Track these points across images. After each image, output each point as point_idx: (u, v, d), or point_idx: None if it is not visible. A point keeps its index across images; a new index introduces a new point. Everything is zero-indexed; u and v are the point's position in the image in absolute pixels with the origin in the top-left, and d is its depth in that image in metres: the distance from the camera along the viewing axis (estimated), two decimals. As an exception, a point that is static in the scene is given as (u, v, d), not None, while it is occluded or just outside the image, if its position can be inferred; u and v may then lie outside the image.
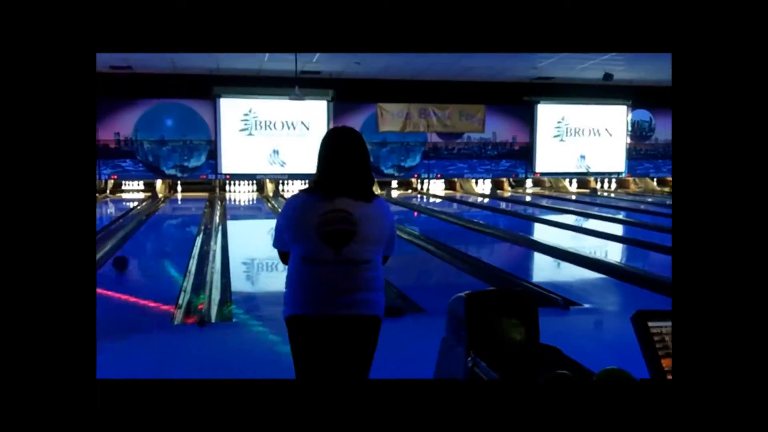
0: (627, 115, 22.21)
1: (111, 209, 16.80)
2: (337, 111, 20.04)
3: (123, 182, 19.84)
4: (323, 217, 2.73)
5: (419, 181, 21.52)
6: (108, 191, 19.54)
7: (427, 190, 21.44)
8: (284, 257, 2.96)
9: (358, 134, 2.91)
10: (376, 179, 20.40)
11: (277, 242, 2.97)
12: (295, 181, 20.65)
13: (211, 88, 18.99)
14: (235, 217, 15.43)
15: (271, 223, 14.23)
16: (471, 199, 19.49)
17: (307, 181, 20.59)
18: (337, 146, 2.85)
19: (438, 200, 19.15)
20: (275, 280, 8.36)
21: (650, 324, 2.27)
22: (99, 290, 7.21)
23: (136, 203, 17.32)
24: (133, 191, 19.88)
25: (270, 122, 19.70)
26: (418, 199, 19.53)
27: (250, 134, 19.63)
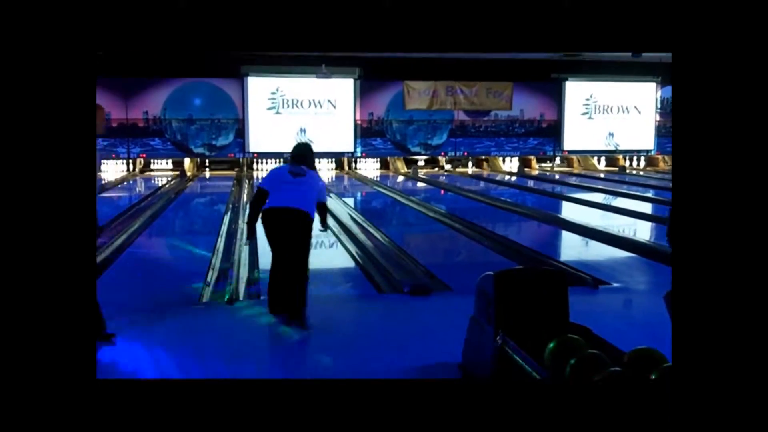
0: (656, 92, 21.89)
1: (140, 187, 16.96)
2: (363, 89, 20.00)
3: (152, 160, 20.00)
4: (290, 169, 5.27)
5: (445, 157, 21.41)
6: (137, 170, 19.73)
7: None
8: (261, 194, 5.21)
9: (308, 146, 5.61)
10: (403, 156, 20.59)
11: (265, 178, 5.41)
12: (321, 159, 20.68)
13: (238, 67, 19.02)
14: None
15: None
16: (498, 177, 19.39)
17: (333, 160, 20.62)
18: (295, 151, 5.43)
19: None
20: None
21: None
22: (128, 267, 7.30)
23: (164, 181, 17.46)
24: (162, 170, 20.03)
25: (297, 101, 19.70)
26: (444, 178, 19.46)
27: (278, 113, 19.66)
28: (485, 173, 20.63)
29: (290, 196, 5.04)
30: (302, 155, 5.33)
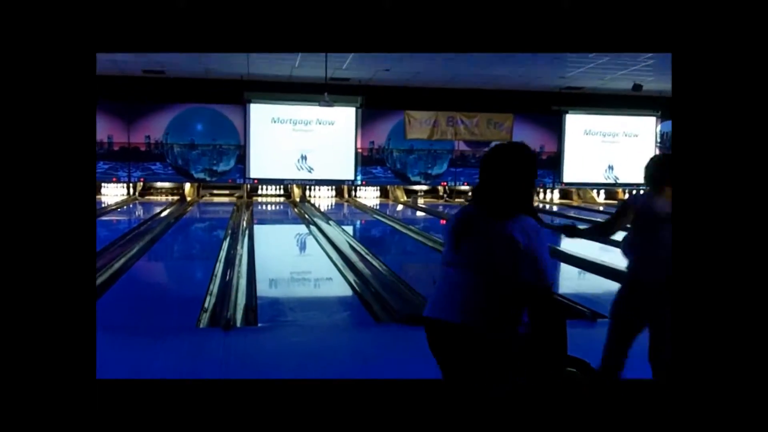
0: (656, 126, 22.00)
1: (140, 211, 16.97)
2: (365, 117, 20.09)
3: (152, 184, 20.06)
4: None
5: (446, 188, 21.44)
6: (137, 193, 19.78)
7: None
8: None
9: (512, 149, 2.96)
10: (403, 185, 20.65)
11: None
12: (321, 187, 20.73)
13: (241, 93, 19.14)
14: (262, 222, 15.51)
15: (298, 228, 14.23)
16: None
17: (334, 187, 20.68)
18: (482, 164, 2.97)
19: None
20: (300, 285, 8.38)
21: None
22: (126, 289, 7.27)
23: (164, 206, 17.48)
24: (162, 193, 20.07)
25: (299, 128, 19.78)
26: (443, 208, 19.49)
27: (279, 140, 19.73)
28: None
29: (443, 293, 2.77)
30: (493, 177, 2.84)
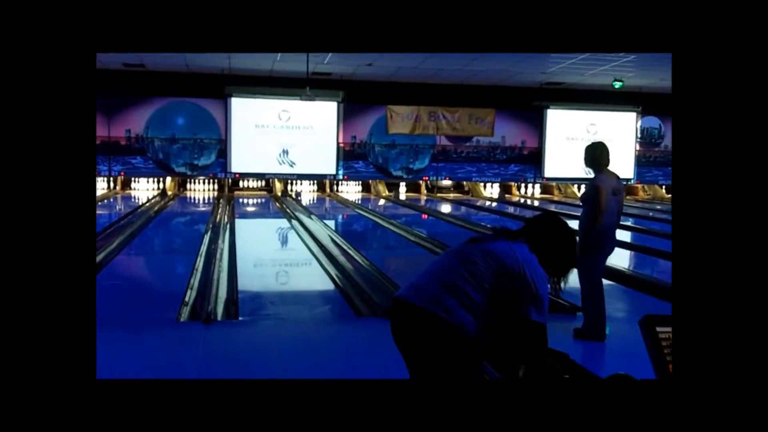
0: (636, 122, 22.15)
1: (120, 206, 16.86)
2: (347, 112, 20.07)
3: (132, 179, 19.95)
4: None
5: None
6: (118, 187, 19.68)
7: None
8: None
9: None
10: (385, 180, 20.69)
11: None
12: (303, 181, 20.71)
13: (222, 87, 19.05)
14: (243, 216, 15.47)
15: (280, 223, 14.20)
16: (479, 203, 19.47)
17: (315, 182, 20.68)
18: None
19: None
20: (282, 279, 8.38)
21: (658, 329, 2.26)
22: (107, 284, 7.24)
23: (145, 200, 17.39)
24: (144, 189, 20.01)
25: (280, 122, 19.74)
26: (425, 201, 19.53)
27: (261, 134, 19.67)
28: (466, 198, 20.73)
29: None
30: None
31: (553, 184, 22.45)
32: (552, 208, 18.04)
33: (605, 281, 7.86)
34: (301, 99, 16.47)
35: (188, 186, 20.39)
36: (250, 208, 17.61)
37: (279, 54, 15.47)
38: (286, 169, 19.99)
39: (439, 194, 21.22)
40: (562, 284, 3.02)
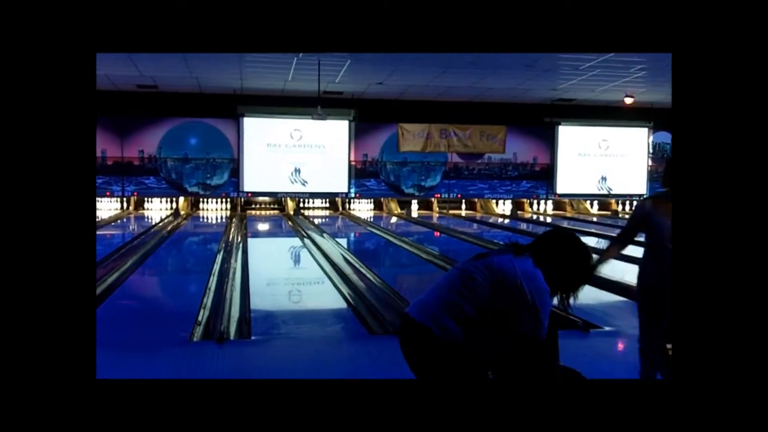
0: (648, 137, 22.09)
1: (133, 226, 16.94)
2: (358, 131, 20.13)
3: (145, 199, 20.07)
4: None
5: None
6: (131, 207, 19.80)
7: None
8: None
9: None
10: (397, 198, 20.71)
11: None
12: (315, 200, 20.77)
13: (234, 107, 19.17)
14: (255, 235, 15.50)
15: (292, 241, 14.18)
16: (491, 220, 19.44)
17: (327, 200, 20.72)
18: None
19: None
20: (294, 297, 8.38)
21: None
22: (121, 304, 7.26)
23: (158, 220, 17.46)
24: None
25: (292, 141, 19.81)
26: (437, 219, 19.52)
27: (273, 153, 19.75)
28: (478, 215, 20.71)
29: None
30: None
31: (566, 200, 22.41)
32: (565, 224, 17.98)
33: (620, 298, 7.84)
34: (312, 118, 16.54)
35: (201, 205, 20.50)
36: (262, 227, 17.65)
37: (291, 73, 15.56)
38: (298, 188, 20.05)
39: (451, 212, 21.20)
40: (571, 300, 3.04)
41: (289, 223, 17.41)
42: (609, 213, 21.85)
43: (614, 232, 15.28)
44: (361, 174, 20.45)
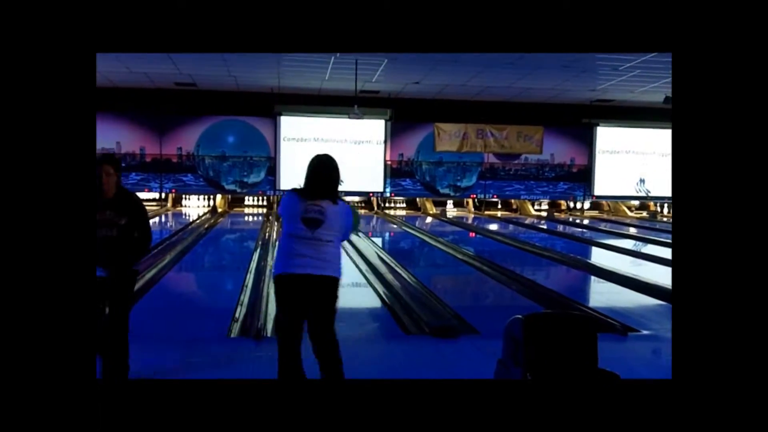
0: (689, 139, 21.76)
1: (171, 222, 17.16)
2: (395, 130, 20.16)
3: (183, 196, 20.31)
4: (305, 208, 4.06)
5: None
6: (169, 204, 20.06)
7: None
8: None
9: (332, 160, 4.30)
10: (432, 198, 20.69)
11: (279, 210, 4.32)
12: (351, 198, 20.84)
13: (272, 106, 19.32)
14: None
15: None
16: (528, 221, 19.34)
17: (363, 199, 20.77)
18: (316, 168, 4.26)
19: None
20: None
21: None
22: (158, 300, 7.36)
23: (196, 217, 17.66)
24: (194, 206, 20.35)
25: (329, 140, 19.89)
26: (471, 220, 19.46)
27: (309, 152, 19.84)
28: (514, 216, 20.62)
29: (313, 255, 4.01)
30: (326, 177, 4.22)
31: (603, 201, 22.19)
32: (602, 226, 17.81)
33: (658, 301, 7.76)
34: (349, 117, 16.60)
35: (238, 203, 20.68)
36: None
37: (328, 72, 15.63)
38: (334, 187, 20.09)
39: (486, 212, 21.12)
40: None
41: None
42: (647, 215, 21.58)
43: (651, 235, 15.11)
44: (396, 173, 20.48)
